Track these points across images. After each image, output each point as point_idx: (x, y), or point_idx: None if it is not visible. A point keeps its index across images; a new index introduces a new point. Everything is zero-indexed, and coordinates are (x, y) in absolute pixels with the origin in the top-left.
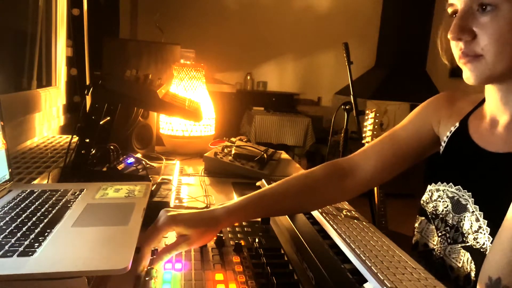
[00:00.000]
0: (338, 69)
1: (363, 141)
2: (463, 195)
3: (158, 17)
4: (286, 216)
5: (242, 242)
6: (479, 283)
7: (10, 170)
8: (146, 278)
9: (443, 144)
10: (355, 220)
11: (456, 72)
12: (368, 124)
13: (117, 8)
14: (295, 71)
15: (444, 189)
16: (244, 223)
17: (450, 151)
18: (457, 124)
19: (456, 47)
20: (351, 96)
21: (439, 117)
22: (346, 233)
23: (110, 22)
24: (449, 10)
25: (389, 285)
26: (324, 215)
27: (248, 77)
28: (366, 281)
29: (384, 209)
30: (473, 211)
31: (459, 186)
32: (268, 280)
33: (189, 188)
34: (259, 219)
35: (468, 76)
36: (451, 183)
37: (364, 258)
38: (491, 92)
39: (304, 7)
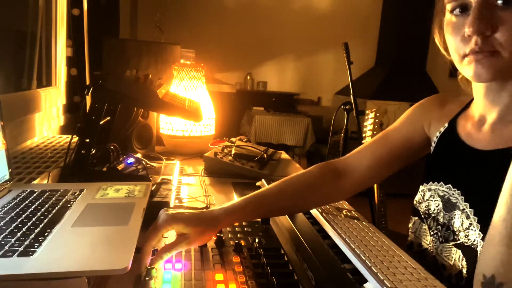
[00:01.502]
0: (338, 69)
1: (363, 141)
2: (453, 194)
3: (158, 17)
4: (286, 216)
5: (242, 242)
6: (474, 282)
7: (10, 170)
8: (146, 278)
9: (433, 145)
10: (355, 220)
11: (456, 72)
12: (368, 124)
13: (117, 8)
14: (295, 71)
15: (435, 188)
16: (244, 223)
17: (440, 151)
18: (446, 125)
19: (466, 44)
20: (351, 96)
21: (430, 118)
22: (346, 233)
23: (110, 22)
24: (449, 5)
25: (389, 285)
26: (324, 215)
27: (248, 77)
28: (366, 281)
29: (384, 209)
30: (464, 209)
31: (450, 185)
32: (268, 280)
33: (189, 188)
34: (259, 219)
35: (480, 72)
36: (441, 182)
37: (364, 258)
38: (479, 92)
39: (304, 7)
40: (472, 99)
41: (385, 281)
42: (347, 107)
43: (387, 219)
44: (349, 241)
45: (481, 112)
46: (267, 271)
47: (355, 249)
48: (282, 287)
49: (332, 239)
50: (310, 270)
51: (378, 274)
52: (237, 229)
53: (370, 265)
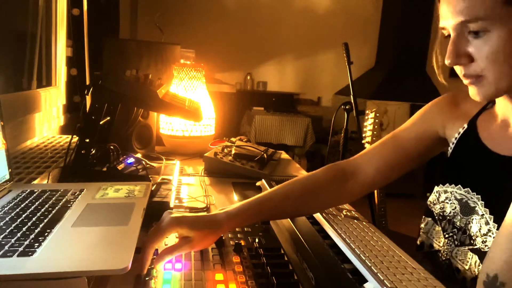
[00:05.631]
0: (338, 69)
1: (363, 141)
2: (471, 198)
3: (158, 17)
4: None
5: (242, 242)
6: (478, 281)
7: (10, 170)
8: (146, 278)
9: (451, 146)
10: (355, 220)
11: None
12: (368, 124)
13: (117, 8)
14: (295, 71)
15: (452, 191)
16: None
17: (459, 153)
18: (466, 126)
19: (457, 69)
20: (351, 96)
21: (444, 119)
22: (346, 233)
23: (110, 22)
24: (443, 32)
25: (389, 285)
26: (324, 215)
27: (248, 77)
28: (366, 281)
29: (384, 209)
30: (483, 214)
31: (468, 189)
32: (268, 280)
33: (189, 188)
34: None
35: (474, 94)
36: (459, 185)
37: (364, 258)
38: (502, 99)
39: (304, 7)
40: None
41: (385, 281)
42: (347, 107)
43: (387, 219)
44: (349, 241)
45: (504, 114)
46: (267, 271)
47: (355, 249)
48: (282, 287)
49: (332, 239)
50: (310, 270)
51: (378, 274)
52: (237, 229)
53: (370, 265)
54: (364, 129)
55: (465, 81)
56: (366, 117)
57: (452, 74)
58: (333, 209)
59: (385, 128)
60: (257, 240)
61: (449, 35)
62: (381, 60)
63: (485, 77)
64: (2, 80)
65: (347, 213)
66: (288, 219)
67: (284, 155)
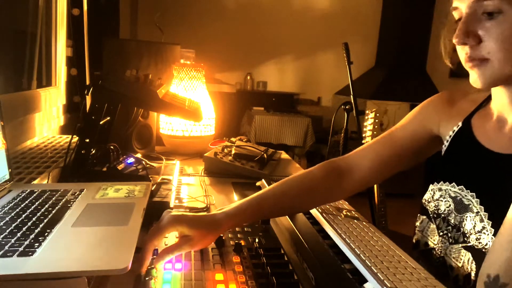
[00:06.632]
0: (338, 69)
1: (363, 141)
2: (465, 195)
3: (158, 17)
4: (286, 216)
5: (242, 242)
6: (478, 281)
7: (10, 170)
8: (146, 278)
9: (446, 144)
10: (355, 220)
11: (456, 72)
12: (368, 124)
13: (117, 8)
14: (295, 71)
15: (447, 189)
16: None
17: (453, 150)
18: (460, 124)
19: (462, 51)
20: (351, 96)
21: (439, 117)
22: (346, 233)
23: (110, 22)
24: (455, 14)
25: (389, 285)
26: (324, 215)
27: (248, 77)
28: (366, 281)
29: (384, 209)
30: (478, 212)
31: (462, 186)
32: (268, 280)
33: (189, 188)
34: None
35: (475, 79)
36: (454, 183)
37: (364, 258)
38: (499, 93)
39: (304, 7)
40: (487, 97)
41: (385, 281)
42: (347, 107)
43: (387, 219)
44: (349, 241)
45: (500, 112)
46: (267, 271)
47: (355, 249)
48: (282, 287)
49: (332, 239)
50: (310, 270)
51: (378, 274)
52: (237, 229)
53: (370, 265)
54: (364, 129)
55: (468, 65)
56: (366, 117)
57: (452, 74)
58: (333, 209)
59: (385, 128)
60: (257, 240)
61: (459, 19)
62: (381, 60)
63: (490, 61)
64: (2, 80)
65: (347, 213)
66: (288, 218)
67: (284, 155)
